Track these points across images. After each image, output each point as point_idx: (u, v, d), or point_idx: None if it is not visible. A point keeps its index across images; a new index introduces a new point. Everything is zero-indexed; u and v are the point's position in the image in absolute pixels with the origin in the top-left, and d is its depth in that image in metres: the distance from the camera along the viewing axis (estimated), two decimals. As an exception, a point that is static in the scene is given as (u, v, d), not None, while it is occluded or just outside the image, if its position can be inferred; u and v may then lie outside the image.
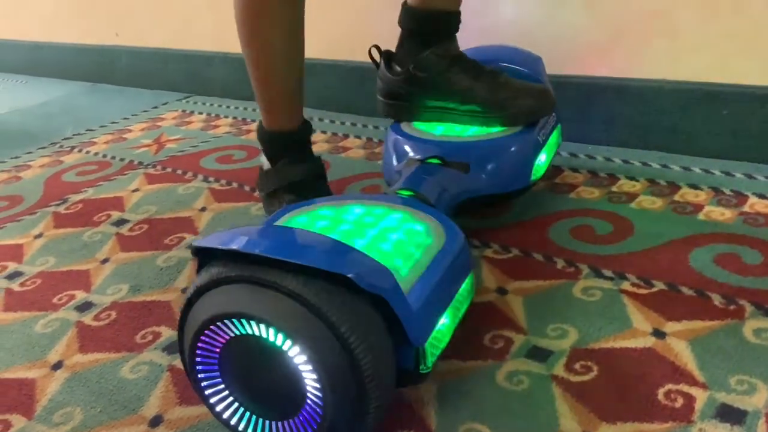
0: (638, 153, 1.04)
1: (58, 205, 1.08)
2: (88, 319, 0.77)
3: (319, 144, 1.24)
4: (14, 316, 0.79)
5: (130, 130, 1.43)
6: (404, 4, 0.89)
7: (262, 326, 0.49)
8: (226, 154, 1.23)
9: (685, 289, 0.70)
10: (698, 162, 0.98)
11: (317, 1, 0.90)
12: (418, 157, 0.83)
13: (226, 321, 0.50)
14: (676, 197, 0.90)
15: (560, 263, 0.78)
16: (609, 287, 0.72)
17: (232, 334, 0.51)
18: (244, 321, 0.50)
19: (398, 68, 0.90)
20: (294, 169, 0.85)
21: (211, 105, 1.55)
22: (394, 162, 0.85)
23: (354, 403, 0.50)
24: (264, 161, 0.88)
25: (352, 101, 1.38)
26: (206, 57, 1.59)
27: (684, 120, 1.03)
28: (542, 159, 0.87)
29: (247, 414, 0.54)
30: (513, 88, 0.86)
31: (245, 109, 1.49)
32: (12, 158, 1.32)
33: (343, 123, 1.34)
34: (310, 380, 0.49)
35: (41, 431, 0.61)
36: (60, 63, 1.95)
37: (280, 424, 0.53)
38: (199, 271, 0.54)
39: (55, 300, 0.81)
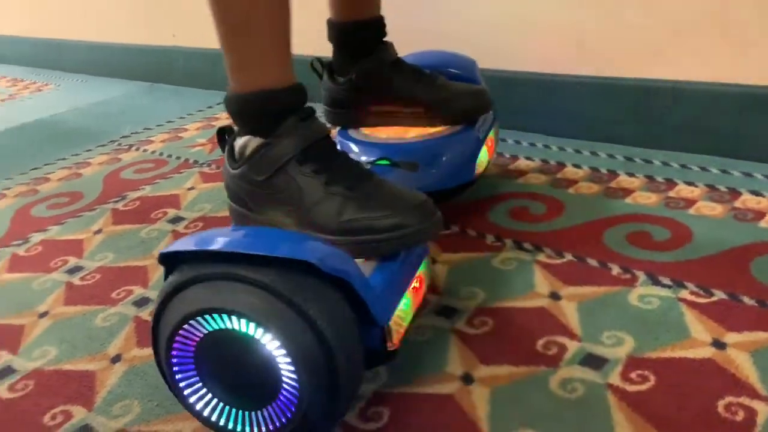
0: (697, 158, 1.01)
1: (116, 201, 1.11)
2: (145, 314, 0.79)
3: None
4: (75, 310, 0.82)
5: (185, 129, 1.46)
6: (328, 21, 0.92)
7: (234, 318, 0.52)
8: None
9: (746, 299, 0.68)
10: (760, 168, 0.95)
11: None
12: (366, 159, 0.86)
13: (198, 318, 0.53)
14: (737, 204, 0.87)
15: (615, 269, 0.76)
16: (667, 295, 0.71)
17: (205, 331, 0.53)
18: (215, 316, 0.52)
19: (340, 78, 0.93)
20: (303, 132, 0.67)
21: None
22: None
23: (327, 384, 0.53)
24: (240, 142, 0.70)
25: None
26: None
27: (745, 124, 1.00)
28: (483, 154, 0.92)
29: (226, 408, 0.56)
30: (452, 90, 0.91)
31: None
32: (72, 155, 1.37)
33: None
34: (284, 365, 0.52)
35: (101, 422, 0.63)
36: (118, 63, 2.01)
37: (259, 413, 0.54)
38: (166, 277, 0.56)
39: (113, 295, 0.84)
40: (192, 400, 0.56)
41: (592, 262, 0.78)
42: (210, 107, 1.61)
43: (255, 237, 0.58)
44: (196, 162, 1.25)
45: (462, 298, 0.75)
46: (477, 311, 0.72)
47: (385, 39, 0.92)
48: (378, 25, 0.92)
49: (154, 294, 0.83)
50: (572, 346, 0.65)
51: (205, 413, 0.56)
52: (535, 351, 0.65)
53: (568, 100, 1.16)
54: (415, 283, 0.64)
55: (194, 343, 0.54)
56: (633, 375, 0.60)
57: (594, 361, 0.63)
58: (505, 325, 0.70)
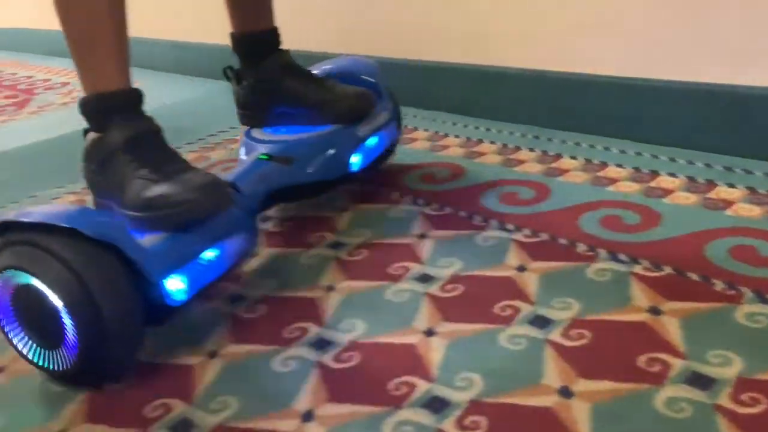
0: (804, 169, 0.96)
1: (206, 199, 1.14)
2: (239, 310, 0.81)
3: (453, 149, 1.24)
4: (172, 304, 0.85)
5: (269, 129, 1.49)
6: (231, 33, 1.06)
7: (23, 273, 0.66)
8: (362, 156, 1.26)
9: None
10: None
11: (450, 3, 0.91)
12: (254, 154, 0.98)
13: (4, 273, 0.68)
14: None
15: (719, 285, 0.73)
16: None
17: (14, 284, 0.68)
18: (17, 272, 0.67)
19: (244, 83, 1.05)
20: (128, 127, 0.81)
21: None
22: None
23: (99, 330, 0.65)
24: (90, 137, 0.84)
25: (485, 105, 1.37)
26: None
27: None
28: (362, 153, 1.02)
29: (38, 348, 0.70)
30: (337, 92, 1.02)
31: (378, 111, 1.52)
32: (163, 153, 1.41)
33: (477, 128, 1.33)
34: (63, 312, 0.65)
35: (200, 417, 0.64)
36: (203, 62, 2.07)
37: (57, 351, 0.68)
38: None
39: (209, 291, 0.86)
40: (14, 340, 0.71)
41: (694, 276, 0.76)
42: (292, 107, 1.63)
43: (54, 212, 0.70)
44: (281, 162, 1.27)
45: (555, 309, 0.73)
46: (573, 323, 0.71)
47: (280, 47, 1.06)
48: (271, 35, 1.06)
49: (246, 291, 0.85)
50: (677, 364, 0.63)
51: (24, 351, 0.71)
52: (636, 367, 0.63)
53: (660, 105, 1.13)
54: (215, 252, 0.77)
55: (9, 294, 0.69)
56: (744, 397, 0.58)
57: (701, 381, 0.60)
58: (602, 338, 0.68)
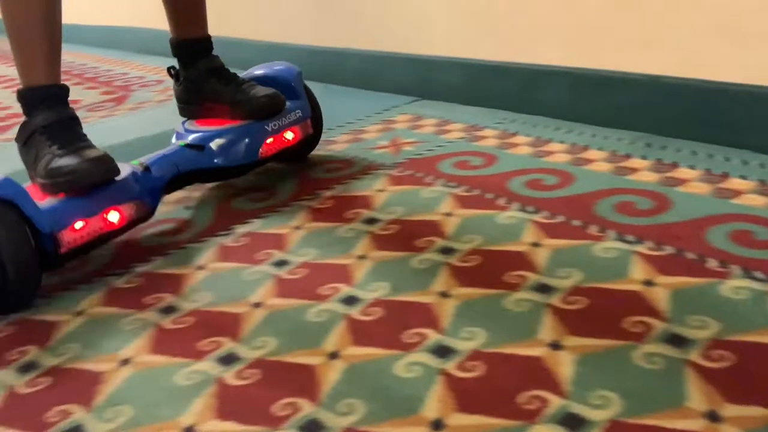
0: None
1: (310, 199, 1.15)
2: (355, 312, 0.80)
3: (558, 155, 1.21)
4: (286, 303, 0.85)
5: (365, 131, 1.49)
6: (170, 39, 1.26)
7: None
8: (463, 160, 1.24)
9: None
10: None
11: (558, 9, 0.88)
12: (181, 142, 1.17)
13: None
14: None
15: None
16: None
17: None
18: None
19: (181, 81, 1.26)
20: (49, 113, 1.02)
21: (441, 109, 1.58)
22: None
23: (2, 273, 0.84)
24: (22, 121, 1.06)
25: (590, 110, 1.33)
26: (435, 62, 1.62)
27: None
28: (271, 144, 1.19)
29: None
30: (249, 93, 1.19)
31: (475, 115, 1.50)
32: (262, 152, 1.44)
33: (581, 133, 1.30)
34: None
35: (329, 418, 0.64)
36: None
37: None
38: None
39: (321, 291, 0.86)
40: None
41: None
42: (386, 110, 1.63)
43: None
44: (382, 165, 1.27)
45: (692, 327, 0.70)
46: (712, 343, 0.67)
47: (211, 53, 1.26)
48: (202, 43, 1.26)
49: (360, 292, 0.84)
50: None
51: None
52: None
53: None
54: (113, 214, 0.97)
55: None
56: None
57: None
58: (747, 361, 0.64)
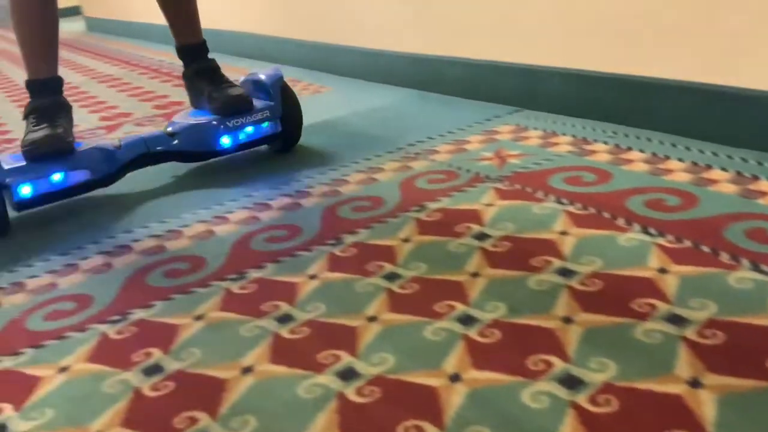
0: None
1: (417, 211, 1.14)
2: (473, 333, 0.79)
3: (677, 173, 1.15)
4: (401, 318, 0.84)
5: (468, 141, 1.47)
6: (175, 46, 1.57)
7: None
8: (574, 175, 1.20)
9: None
10: None
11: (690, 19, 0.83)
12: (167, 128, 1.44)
13: None
14: None
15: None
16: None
17: None
18: None
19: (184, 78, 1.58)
20: (42, 100, 1.36)
21: (545, 121, 1.54)
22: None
23: None
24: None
25: (712, 127, 1.27)
26: (543, 71, 1.58)
27: None
28: (232, 137, 1.43)
29: None
30: (223, 93, 1.44)
31: (584, 127, 1.45)
32: (364, 159, 1.44)
33: (701, 151, 1.23)
34: None
35: (455, 444, 0.63)
36: (392, 70, 2.10)
37: None
38: None
39: (436, 308, 0.85)
40: None
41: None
42: (488, 120, 1.61)
43: None
44: (487, 177, 1.25)
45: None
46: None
47: (205, 56, 1.55)
48: (195, 48, 1.54)
49: (477, 312, 0.82)
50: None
51: None
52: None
53: None
54: (60, 174, 1.28)
55: None
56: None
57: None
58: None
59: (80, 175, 1.29)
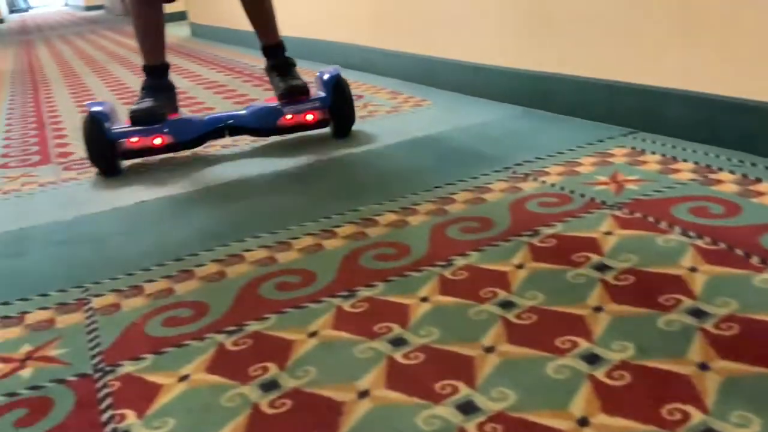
0: None
1: (530, 236, 1.10)
2: (600, 374, 0.74)
3: (726, 185, 1.12)
4: (520, 351, 0.81)
5: (579, 163, 1.42)
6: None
7: None
8: (700, 206, 1.13)
9: None
10: None
11: None
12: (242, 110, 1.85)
13: None
14: None
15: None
16: None
17: None
18: None
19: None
20: (152, 80, 1.81)
21: (664, 145, 1.46)
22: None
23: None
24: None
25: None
26: (662, 93, 1.51)
27: None
28: (290, 119, 1.77)
29: None
30: (287, 83, 1.78)
31: (706, 154, 1.37)
32: (470, 178, 1.41)
33: (754, 164, 1.16)
34: None
35: (587, 496, 0.59)
36: (494, 85, 2.06)
37: None
38: None
39: (557, 343, 0.81)
40: None
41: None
42: (600, 141, 1.54)
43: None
44: (603, 203, 1.19)
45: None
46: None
47: (281, 53, 1.90)
48: (272, 47, 1.89)
49: (602, 351, 0.78)
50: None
51: None
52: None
53: None
54: (158, 140, 1.70)
55: None
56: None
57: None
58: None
59: (169, 138, 1.72)
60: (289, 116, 1.77)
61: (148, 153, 1.72)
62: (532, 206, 1.23)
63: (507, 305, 0.91)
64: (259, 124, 1.77)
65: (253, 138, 1.91)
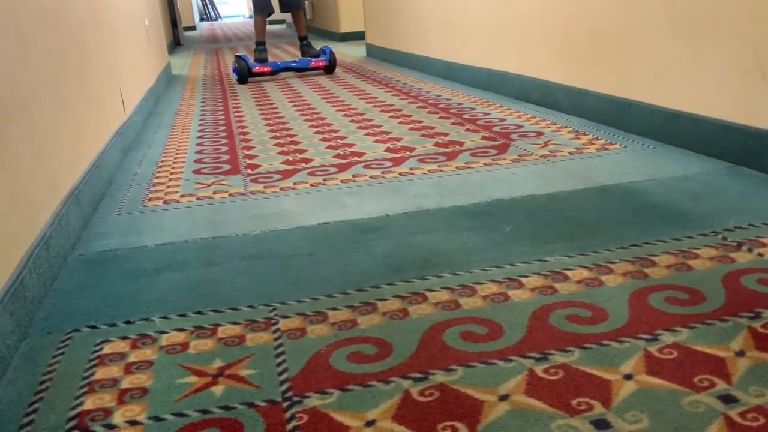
0: None
1: (751, 318, 0.98)
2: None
3: None
4: (750, 461, 0.70)
5: (804, 237, 1.25)
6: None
7: None
8: None
9: None
10: None
11: None
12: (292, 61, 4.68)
13: None
14: None
15: None
16: None
17: None
18: None
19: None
20: (260, 46, 4.74)
21: None
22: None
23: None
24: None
25: None
26: None
27: None
28: (314, 64, 4.47)
29: None
30: (309, 51, 4.83)
31: None
32: (672, 239, 1.29)
33: None
34: None
35: None
36: (696, 135, 1.90)
37: None
38: None
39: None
40: None
41: None
42: (829, 213, 1.36)
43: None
44: (842, 290, 1.04)
45: None
46: None
47: (307, 40, 4.92)
48: (303, 37, 4.87)
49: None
50: None
51: None
52: None
53: None
54: (265, 69, 4.52)
55: None
56: None
57: None
58: None
59: (268, 69, 4.32)
60: (312, 63, 4.39)
61: (260, 75, 4.31)
62: (749, 282, 1.09)
63: (728, 400, 0.80)
64: (302, 66, 4.38)
65: (431, 169, 1.90)
